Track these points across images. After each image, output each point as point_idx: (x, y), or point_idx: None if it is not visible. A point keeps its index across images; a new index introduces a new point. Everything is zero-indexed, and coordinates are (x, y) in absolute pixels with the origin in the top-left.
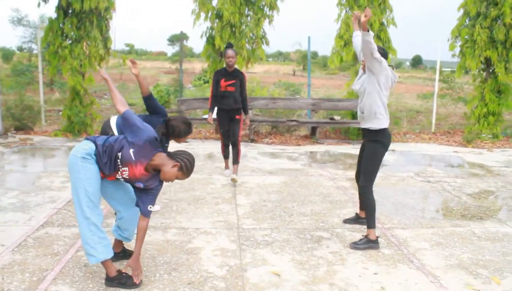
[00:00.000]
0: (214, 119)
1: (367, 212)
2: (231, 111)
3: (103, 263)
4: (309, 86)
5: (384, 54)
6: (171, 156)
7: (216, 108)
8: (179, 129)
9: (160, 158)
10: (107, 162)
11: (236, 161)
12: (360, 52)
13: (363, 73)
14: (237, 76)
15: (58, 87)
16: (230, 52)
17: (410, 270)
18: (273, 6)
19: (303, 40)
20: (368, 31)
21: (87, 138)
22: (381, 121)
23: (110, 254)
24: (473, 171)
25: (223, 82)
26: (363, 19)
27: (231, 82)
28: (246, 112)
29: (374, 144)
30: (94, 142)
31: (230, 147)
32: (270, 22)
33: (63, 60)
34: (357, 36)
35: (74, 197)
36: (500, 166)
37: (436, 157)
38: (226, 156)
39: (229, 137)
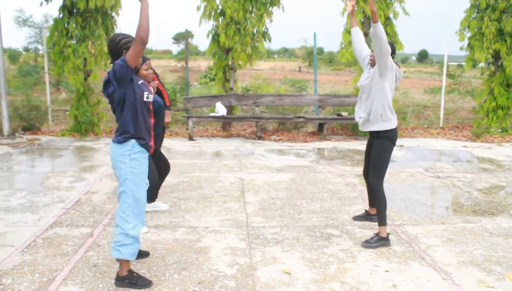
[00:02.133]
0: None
1: (378, 209)
2: None
3: (123, 260)
4: (316, 83)
5: (393, 49)
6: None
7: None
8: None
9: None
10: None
11: None
12: (360, 52)
13: (371, 67)
14: None
15: (64, 87)
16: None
17: (422, 267)
18: (274, 2)
19: (309, 37)
20: (377, 21)
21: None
22: (389, 123)
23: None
24: (483, 165)
25: None
26: (372, 7)
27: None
28: None
29: (381, 141)
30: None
31: None
32: (269, 18)
33: (67, 59)
34: (357, 35)
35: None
36: (510, 161)
37: (445, 152)
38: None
39: None
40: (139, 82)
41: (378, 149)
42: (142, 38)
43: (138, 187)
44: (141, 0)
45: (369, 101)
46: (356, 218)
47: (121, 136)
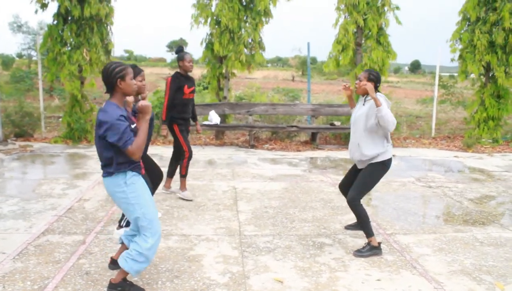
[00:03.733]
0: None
1: (361, 223)
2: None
3: (122, 270)
4: (309, 92)
5: (378, 78)
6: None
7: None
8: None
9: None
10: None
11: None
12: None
13: (364, 101)
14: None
15: (57, 94)
16: (189, 56)
17: (413, 276)
18: (267, 13)
19: (302, 46)
20: (380, 105)
21: None
22: (384, 155)
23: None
24: (474, 175)
25: (186, 89)
26: (372, 95)
27: (192, 88)
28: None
29: (375, 166)
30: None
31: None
32: (260, 28)
33: (62, 67)
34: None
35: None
36: (501, 171)
37: (436, 162)
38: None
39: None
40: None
41: (369, 172)
42: (135, 157)
43: (147, 208)
44: (144, 120)
45: (363, 143)
46: (348, 227)
47: (111, 168)
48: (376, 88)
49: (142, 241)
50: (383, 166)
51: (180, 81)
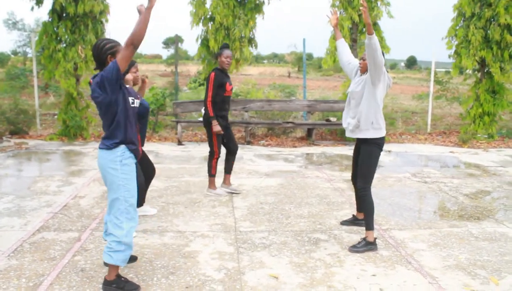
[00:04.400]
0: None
1: (366, 214)
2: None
3: (112, 265)
4: (305, 88)
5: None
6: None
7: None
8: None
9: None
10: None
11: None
12: (347, 63)
13: (362, 74)
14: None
15: (53, 91)
16: (228, 52)
17: (408, 272)
18: (259, 9)
19: (298, 42)
20: (372, 33)
21: None
22: (379, 132)
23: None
24: (469, 171)
25: (228, 86)
26: (367, 20)
27: (232, 86)
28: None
29: (369, 146)
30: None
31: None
32: (252, 25)
33: (57, 64)
34: (342, 46)
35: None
36: (496, 166)
37: (432, 158)
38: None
39: (230, 147)
40: (126, 87)
41: (366, 154)
42: (135, 43)
43: (131, 193)
44: (146, 8)
45: (359, 108)
46: (344, 223)
47: (110, 142)
48: None
49: (117, 228)
50: (378, 145)
51: (222, 77)
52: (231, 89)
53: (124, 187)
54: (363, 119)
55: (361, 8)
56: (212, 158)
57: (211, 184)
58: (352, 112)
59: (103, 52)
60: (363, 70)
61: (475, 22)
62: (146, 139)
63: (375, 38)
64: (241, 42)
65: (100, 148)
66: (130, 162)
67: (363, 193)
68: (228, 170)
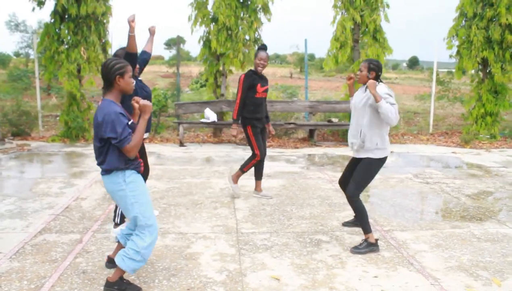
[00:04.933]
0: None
1: (360, 220)
2: (263, 120)
3: (119, 269)
4: (307, 89)
5: (379, 67)
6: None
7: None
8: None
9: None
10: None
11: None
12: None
13: (364, 90)
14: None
15: (55, 92)
16: (263, 54)
17: (410, 273)
18: (266, 10)
19: (301, 43)
20: (379, 101)
21: None
22: (383, 152)
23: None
24: (471, 171)
25: (259, 88)
26: (372, 92)
27: (266, 87)
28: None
29: (374, 160)
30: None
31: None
32: (258, 25)
33: (60, 65)
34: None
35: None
36: (499, 166)
37: (434, 158)
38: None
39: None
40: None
41: (367, 164)
42: (131, 155)
43: (145, 206)
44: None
45: (363, 128)
46: (346, 224)
47: (108, 166)
48: (378, 77)
49: (139, 239)
50: (379, 161)
51: (253, 79)
52: (264, 90)
53: (137, 204)
54: (368, 140)
55: (358, 76)
56: (253, 158)
57: (235, 177)
58: (354, 130)
59: (112, 73)
60: (360, 81)
61: (477, 22)
62: (148, 140)
63: (383, 106)
64: (245, 44)
65: (102, 175)
66: (134, 178)
67: (353, 199)
68: (258, 176)
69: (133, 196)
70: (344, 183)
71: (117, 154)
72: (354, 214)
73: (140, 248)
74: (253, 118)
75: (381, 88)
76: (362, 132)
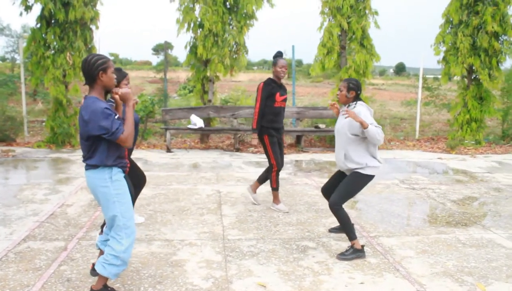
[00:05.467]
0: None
1: (343, 227)
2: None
3: (101, 276)
4: (294, 95)
5: (358, 86)
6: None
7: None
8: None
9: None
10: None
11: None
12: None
13: (345, 110)
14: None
15: (41, 97)
16: (283, 61)
17: (396, 279)
18: (252, 15)
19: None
20: (367, 127)
21: None
22: (373, 170)
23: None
24: (457, 177)
25: (278, 97)
26: (357, 120)
27: (284, 96)
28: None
29: (362, 175)
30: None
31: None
32: (246, 31)
33: (46, 70)
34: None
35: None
36: (483, 172)
37: (420, 164)
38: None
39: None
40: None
41: (355, 177)
42: (127, 144)
43: (126, 207)
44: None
45: (350, 152)
46: (332, 230)
47: (95, 161)
48: (358, 96)
49: (116, 243)
50: (368, 178)
51: (272, 88)
52: (283, 100)
53: (119, 203)
54: (355, 164)
55: (338, 96)
56: (271, 170)
57: (275, 198)
58: (341, 154)
59: (95, 68)
60: (341, 101)
61: (463, 29)
62: (135, 147)
63: (370, 131)
64: (233, 50)
65: (86, 169)
66: (119, 177)
67: (336, 208)
68: (260, 179)
69: (116, 194)
70: (327, 191)
71: (106, 151)
72: None
73: (118, 252)
74: (270, 128)
75: (362, 111)
76: (348, 157)
